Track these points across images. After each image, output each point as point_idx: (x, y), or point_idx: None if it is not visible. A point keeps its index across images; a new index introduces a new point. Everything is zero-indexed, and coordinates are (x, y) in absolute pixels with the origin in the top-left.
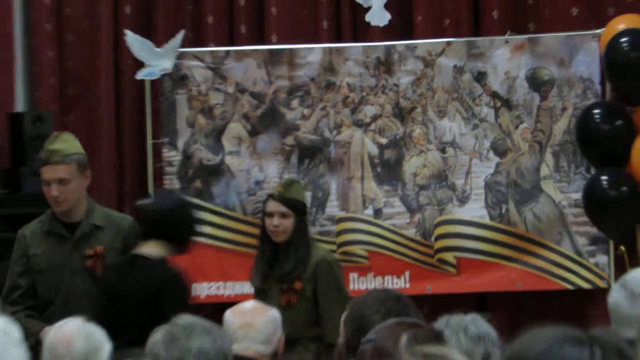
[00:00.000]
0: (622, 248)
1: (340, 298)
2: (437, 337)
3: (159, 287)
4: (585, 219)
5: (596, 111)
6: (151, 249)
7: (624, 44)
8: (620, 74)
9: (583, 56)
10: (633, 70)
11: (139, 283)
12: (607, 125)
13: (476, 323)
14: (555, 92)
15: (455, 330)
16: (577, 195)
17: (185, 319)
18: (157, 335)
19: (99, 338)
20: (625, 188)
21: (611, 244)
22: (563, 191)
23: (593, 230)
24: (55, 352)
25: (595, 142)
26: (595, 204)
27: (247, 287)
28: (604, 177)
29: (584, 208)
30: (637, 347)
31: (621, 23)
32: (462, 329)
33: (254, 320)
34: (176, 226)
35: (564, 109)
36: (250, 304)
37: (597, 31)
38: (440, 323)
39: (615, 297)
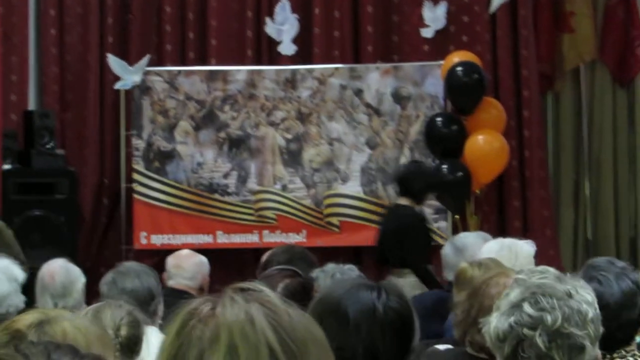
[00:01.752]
0: (457, 217)
1: None
2: (305, 286)
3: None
4: (432, 195)
5: (439, 119)
6: (401, 200)
7: (459, 72)
8: (456, 93)
9: (431, 79)
10: (465, 90)
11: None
12: (447, 129)
13: (342, 270)
14: (411, 105)
15: (328, 275)
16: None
17: (125, 265)
18: (106, 277)
19: (76, 273)
20: (459, 174)
21: (449, 213)
22: None
23: (437, 203)
24: (42, 282)
25: (438, 141)
26: (439, 184)
27: (190, 239)
28: (444, 166)
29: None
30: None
31: (457, 57)
32: (331, 275)
33: (183, 262)
34: (411, 187)
35: (417, 117)
36: (184, 251)
37: (441, 62)
38: (322, 269)
39: (446, 250)
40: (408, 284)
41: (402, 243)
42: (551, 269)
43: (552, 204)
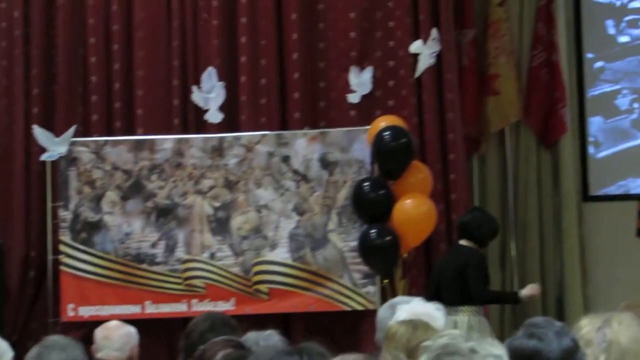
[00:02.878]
0: (385, 281)
1: None
2: (242, 356)
3: (466, 260)
4: (359, 260)
5: (366, 184)
6: (464, 242)
7: (386, 136)
8: (384, 157)
9: (358, 145)
10: (392, 155)
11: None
12: (374, 194)
13: (264, 337)
14: (338, 170)
15: (253, 342)
16: (354, 243)
17: (51, 339)
18: (31, 352)
19: (2, 348)
20: (387, 238)
21: (377, 278)
22: (344, 240)
23: (365, 268)
24: None
25: (366, 205)
26: (366, 249)
27: (118, 309)
28: (372, 230)
29: (359, 252)
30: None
31: (383, 121)
32: (255, 342)
33: (112, 334)
34: (476, 231)
35: (345, 182)
36: (113, 322)
37: (367, 127)
38: (245, 338)
39: (382, 312)
40: (464, 322)
41: (467, 278)
42: (456, 331)
43: None
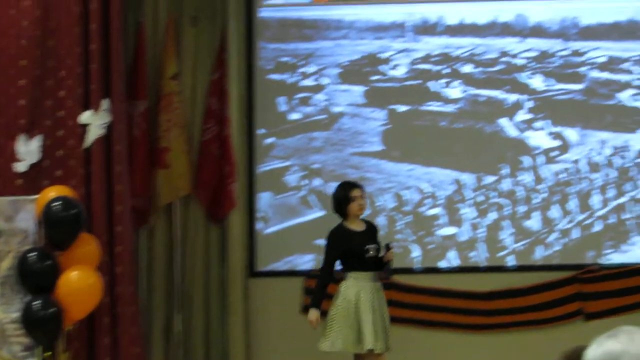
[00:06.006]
0: (48, 354)
1: None
2: None
3: None
4: (21, 331)
5: (32, 254)
6: None
7: (55, 206)
8: (52, 228)
9: (23, 214)
10: (61, 225)
11: None
12: (39, 265)
13: None
14: (2, 240)
15: None
16: (17, 314)
17: None
18: None
19: None
20: (51, 310)
21: (39, 350)
22: (5, 311)
23: (27, 340)
24: None
25: (30, 276)
26: (29, 321)
27: None
28: (36, 302)
29: (21, 323)
30: None
31: (52, 192)
32: None
33: None
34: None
35: (8, 252)
36: None
37: (35, 197)
38: None
39: None
40: None
41: None
42: None
43: (142, 340)
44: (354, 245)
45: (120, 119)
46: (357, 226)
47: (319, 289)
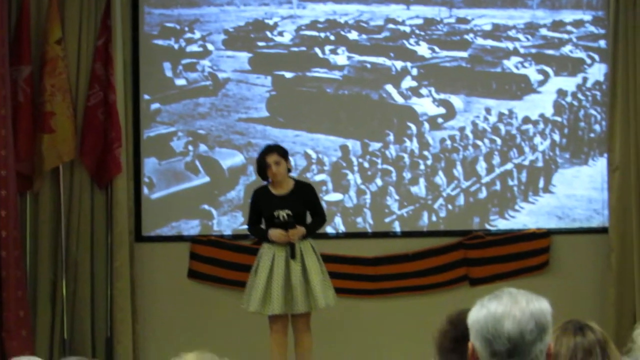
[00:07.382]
0: None
1: None
2: None
3: None
4: None
5: None
6: None
7: None
8: None
9: None
10: None
11: None
12: None
13: None
14: None
15: None
16: None
17: None
18: None
19: None
20: None
21: None
22: None
23: None
24: None
25: None
26: None
27: None
28: None
29: None
30: None
31: None
32: None
33: None
34: None
35: None
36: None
37: None
38: None
39: None
40: None
41: None
42: None
43: (28, 304)
44: (264, 210)
45: (4, 84)
46: (280, 190)
47: (257, 231)
